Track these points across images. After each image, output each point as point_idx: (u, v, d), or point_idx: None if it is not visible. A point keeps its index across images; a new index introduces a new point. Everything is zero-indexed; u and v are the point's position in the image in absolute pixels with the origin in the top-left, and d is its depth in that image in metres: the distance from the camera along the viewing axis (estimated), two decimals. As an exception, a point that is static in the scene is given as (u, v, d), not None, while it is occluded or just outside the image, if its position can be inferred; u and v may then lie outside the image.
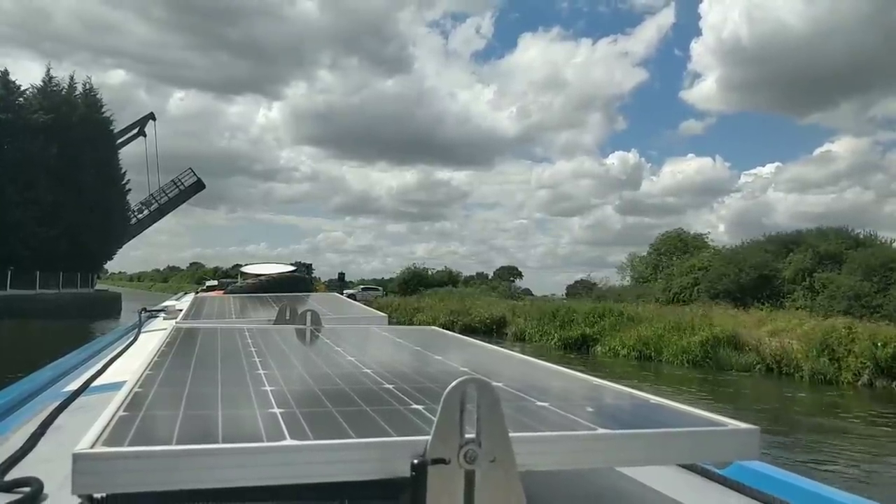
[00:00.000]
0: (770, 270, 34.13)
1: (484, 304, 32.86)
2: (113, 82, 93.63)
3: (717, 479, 1.11)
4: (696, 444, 0.78)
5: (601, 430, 0.77)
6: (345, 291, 48.53)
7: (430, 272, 59.71)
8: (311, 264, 53.87)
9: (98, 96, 39.61)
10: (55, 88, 37.43)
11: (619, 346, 21.17)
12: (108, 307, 35.54)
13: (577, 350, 22.67)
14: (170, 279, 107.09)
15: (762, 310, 24.76)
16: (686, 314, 22.42)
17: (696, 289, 36.65)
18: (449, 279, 59.31)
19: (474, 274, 66.12)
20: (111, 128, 40.23)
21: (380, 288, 57.50)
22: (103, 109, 39.62)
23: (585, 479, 1.02)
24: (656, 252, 52.70)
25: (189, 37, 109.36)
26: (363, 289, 55.16)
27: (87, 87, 39.41)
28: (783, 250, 36.12)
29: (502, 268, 70.34)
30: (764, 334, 19.14)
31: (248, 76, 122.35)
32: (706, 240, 51.90)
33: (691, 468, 1.15)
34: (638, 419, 0.92)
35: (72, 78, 38.64)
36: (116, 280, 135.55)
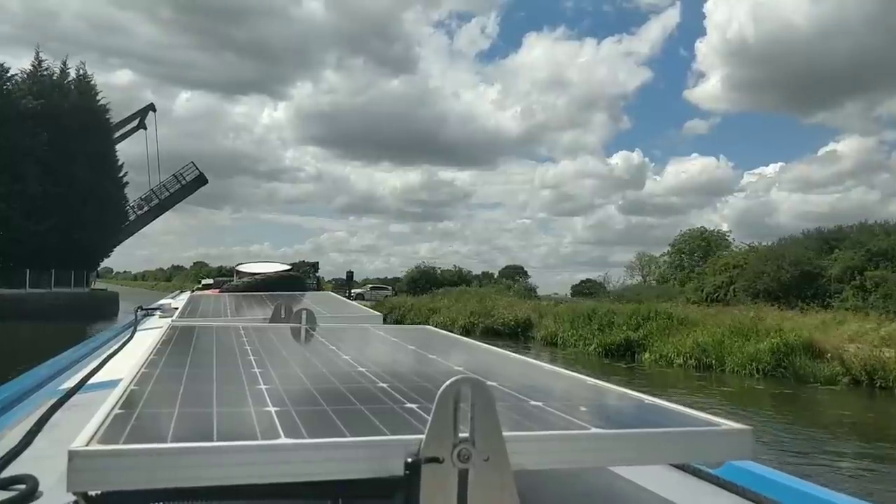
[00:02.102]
0: (813, 268, 31.75)
1: (505, 304, 30.40)
2: (120, 83, 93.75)
3: (710, 479, 1.12)
4: (688, 444, 0.78)
5: (595, 430, 0.77)
6: (353, 291, 47.16)
7: (438, 271, 57.86)
8: (317, 263, 52.12)
9: (93, 83, 37.12)
10: (46, 73, 34.98)
11: (673, 353, 18.70)
12: (104, 308, 33.22)
13: (621, 357, 20.24)
14: (173, 278, 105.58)
15: (817, 311, 22.44)
16: (741, 316, 19.93)
17: (733, 288, 34.35)
18: (459, 279, 57.69)
19: (480, 273, 64.74)
20: (107, 117, 37.64)
21: (389, 287, 55.42)
22: (98, 97, 37.13)
23: (579, 478, 1.03)
24: (677, 251, 50.64)
25: (196, 37, 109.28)
26: (371, 288, 53.34)
27: (81, 73, 36.98)
28: (825, 246, 33.82)
29: (508, 267, 69.61)
30: (840, 339, 16.72)
31: (255, 77, 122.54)
32: (728, 238, 49.99)
33: (684, 468, 1.16)
34: (632, 419, 0.92)
35: (64, 63, 36.20)
36: (121, 279, 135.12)
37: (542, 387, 1.13)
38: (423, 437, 0.67)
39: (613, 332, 21.22)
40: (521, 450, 0.70)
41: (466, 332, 28.27)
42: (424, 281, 54.12)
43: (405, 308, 35.49)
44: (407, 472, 0.65)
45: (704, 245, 49.34)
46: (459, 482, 0.66)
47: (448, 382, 0.68)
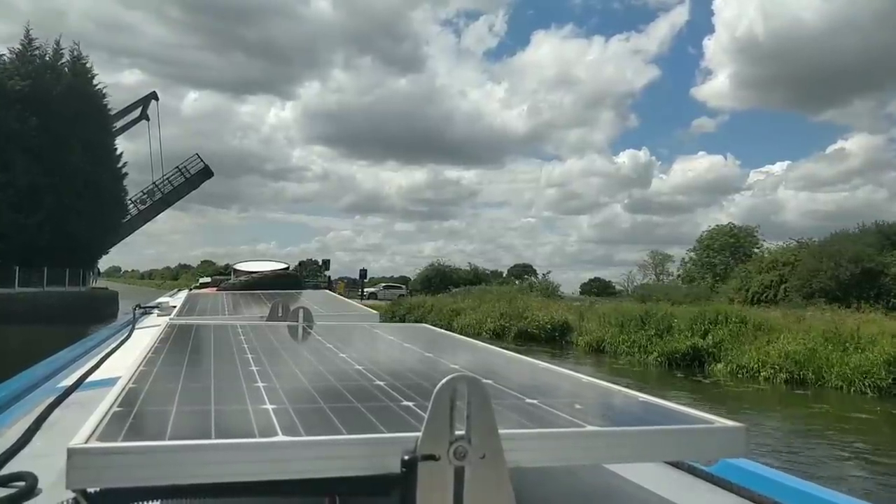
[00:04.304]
0: (875, 265, 28.89)
1: (538, 305, 27.60)
2: (128, 82, 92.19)
3: (705, 477, 1.13)
4: (683, 442, 0.79)
5: (590, 428, 0.77)
6: (365, 290, 44.69)
7: (451, 268, 55.53)
8: (328, 260, 50.01)
9: (89, 65, 34.37)
10: (36, 53, 31.98)
11: (756, 363, 15.86)
12: (102, 308, 30.61)
13: (687, 368, 17.43)
14: (180, 277, 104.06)
15: (886, 312, 19.66)
16: (834, 321, 17.07)
17: (784, 287, 31.51)
18: (475, 277, 55.34)
19: (488, 272, 62.76)
20: (105, 102, 34.80)
21: (403, 286, 52.87)
22: (95, 81, 34.32)
23: (575, 475, 1.04)
24: (705, 248, 48.03)
25: (205, 37, 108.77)
26: (385, 287, 50.91)
27: (76, 54, 34.02)
28: (886, 242, 30.97)
29: (517, 265, 68.35)
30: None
31: (263, 76, 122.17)
32: (757, 234, 47.43)
33: (679, 465, 1.17)
34: (627, 417, 0.93)
35: (57, 44, 33.08)
36: (128, 278, 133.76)
37: (539, 385, 1.13)
38: (419, 434, 0.66)
39: (675, 339, 18.40)
40: (517, 447, 0.70)
41: (497, 335, 25.59)
42: (439, 280, 51.90)
43: (425, 308, 32.71)
44: (403, 469, 0.65)
45: (733, 242, 46.80)
46: (455, 479, 0.66)
47: (444, 380, 0.68)
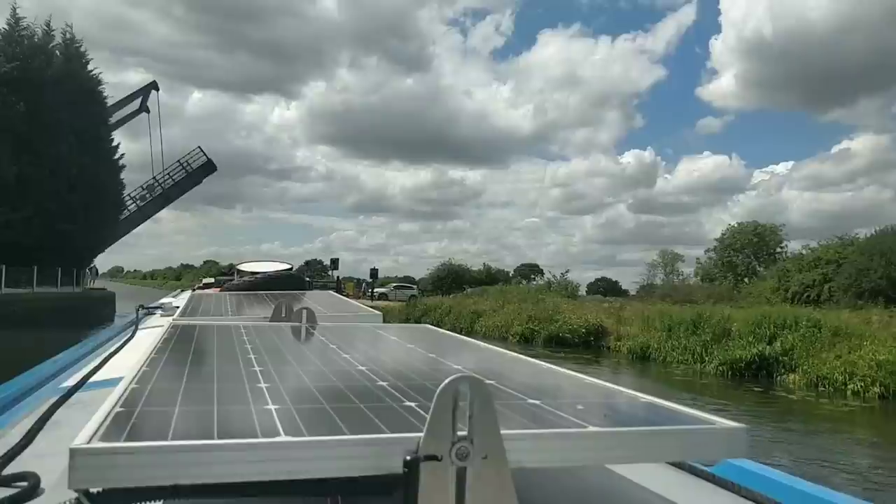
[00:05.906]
0: (932, 263, 26.67)
1: (570, 307, 25.42)
2: (133, 81, 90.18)
3: (707, 477, 1.13)
4: (685, 442, 0.79)
5: (592, 429, 0.77)
6: (375, 290, 42.63)
7: (463, 268, 53.67)
8: (337, 259, 47.99)
9: (83, 49, 32.29)
10: (24, 34, 29.66)
11: (841, 375, 13.66)
12: (98, 310, 28.71)
13: (754, 378, 15.25)
14: (183, 276, 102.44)
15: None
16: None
17: (828, 287, 29.30)
18: (487, 277, 53.43)
19: (502, 272, 60.84)
20: (100, 88, 32.68)
21: (414, 286, 50.83)
22: (89, 67, 32.24)
23: (577, 476, 1.04)
24: (725, 248, 45.92)
25: (210, 36, 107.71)
26: (395, 287, 48.87)
27: (68, 36, 31.84)
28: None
29: (523, 265, 66.61)
30: None
31: (268, 76, 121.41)
32: (781, 232, 45.32)
33: (681, 466, 1.17)
34: (628, 417, 0.93)
35: (47, 24, 30.86)
36: (130, 278, 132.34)
37: (541, 385, 1.12)
38: (421, 435, 0.67)
39: (736, 345, 16.21)
40: (519, 448, 0.70)
41: (526, 340, 23.46)
42: (451, 279, 49.99)
43: (442, 310, 30.55)
44: (406, 469, 0.65)
45: (757, 241, 44.68)
46: (458, 480, 0.67)
47: (447, 381, 0.68)
